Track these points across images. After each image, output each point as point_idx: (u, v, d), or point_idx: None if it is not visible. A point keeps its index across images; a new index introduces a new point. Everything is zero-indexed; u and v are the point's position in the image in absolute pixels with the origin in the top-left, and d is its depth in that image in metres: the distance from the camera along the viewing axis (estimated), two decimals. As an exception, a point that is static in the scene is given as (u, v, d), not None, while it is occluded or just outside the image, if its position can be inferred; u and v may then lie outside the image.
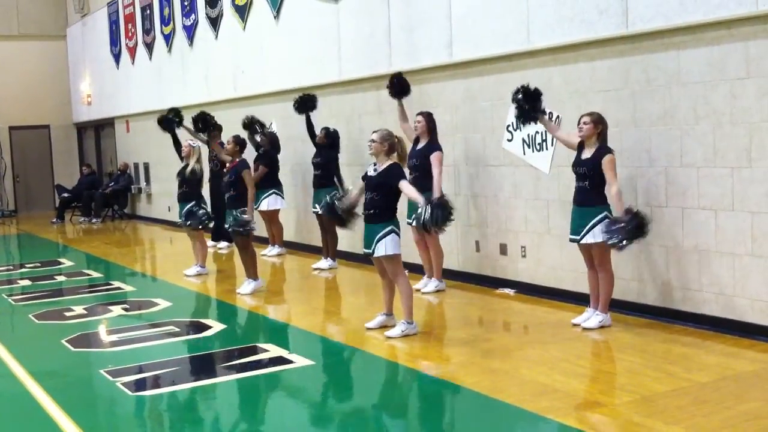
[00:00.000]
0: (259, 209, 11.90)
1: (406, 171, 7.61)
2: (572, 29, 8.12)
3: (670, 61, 7.23)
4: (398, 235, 7.35)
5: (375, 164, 7.41)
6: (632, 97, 7.59)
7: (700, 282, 7.14)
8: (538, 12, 8.49)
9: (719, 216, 6.92)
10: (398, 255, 7.38)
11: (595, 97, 7.88)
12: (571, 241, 7.35)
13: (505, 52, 8.93)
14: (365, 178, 7.47)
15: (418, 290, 8.95)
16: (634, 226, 6.84)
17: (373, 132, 7.49)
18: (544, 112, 7.74)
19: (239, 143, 10.17)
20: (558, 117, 8.29)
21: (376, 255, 7.33)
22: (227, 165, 10.09)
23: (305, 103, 11.56)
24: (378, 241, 7.27)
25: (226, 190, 9.87)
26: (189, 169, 11.00)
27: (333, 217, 7.82)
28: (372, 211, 7.34)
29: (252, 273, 9.83)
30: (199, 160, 11.12)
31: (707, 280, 7.08)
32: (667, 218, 7.35)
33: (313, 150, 11.47)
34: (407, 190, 7.24)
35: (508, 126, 8.96)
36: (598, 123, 7.18)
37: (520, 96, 7.63)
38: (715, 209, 6.95)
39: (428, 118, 9.12)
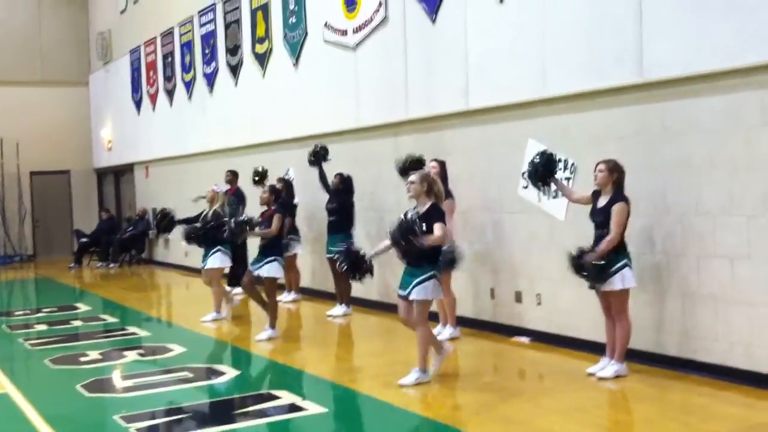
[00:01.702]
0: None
1: None
2: (588, 77, 8.16)
3: (686, 108, 7.24)
4: (440, 281, 7.35)
5: (415, 207, 7.42)
6: (648, 144, 7.58)
7: (716, 332, 7.06)
8: (554, 60, 8.54)
9: (736, 264, 6.87)
10: (429, 302, 7.38)
11: (611, 145, 7.87)
12: (590, 288, 7.31)
13: (521, 100, 8.97)
14: None
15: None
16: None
17: (411, 173, 7.56)
18: (555, 179, 7.84)
19: (274, 192, 10.29)
20: (573, 164, 8.30)
21: (413, 297, 7.26)
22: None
23: (319, 155, 11.60)
24: (418, 284, 7.22)
25: (262, 240, 9.94)
26: (211, 211, 11.16)
27: (352, 266, 7.67)
28: (414, 255, 7.28)
29: (272, 321, 9.87)
30: (223, 205, 11.27)
31: (724, 330, 7.00)
32: (683, 266, 7.30)
33: (327, 196, 11.53)
34: (434, 234, 7.16)
35: (524, 173, 8.97)
36: (614, 170, 7.16)
37: (537, 159, 7.75)
38: (731, 258, 6.90)
39: (442, 166, 9.15)
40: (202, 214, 11.43)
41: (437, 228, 7.17)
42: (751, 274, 6.76)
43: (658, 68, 7.45)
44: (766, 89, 6.61)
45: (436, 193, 7.42)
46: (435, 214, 7.27)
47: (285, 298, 12.59)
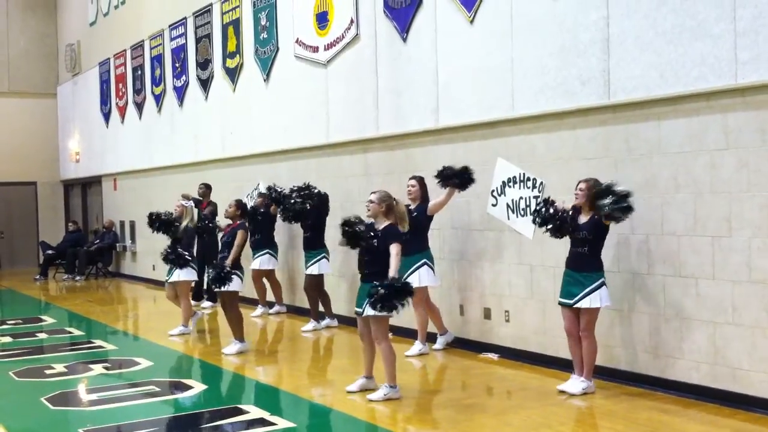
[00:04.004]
0: (251, 267, 11.98)
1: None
2: (555, 98, 8.28)
3: (651, 131, 7.37)
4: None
5: (374, 224, 7.47)
6: (614, 165, 7.70)
7: (681, 350, 7.17)
8: (523, 81, 8.66)
9: (700, 284, 6.99)
10: (386, 318, 7.36)
11: (577, 165, 7.99)
12: (561, 305, 7.36)
13: (489, 119, 9.08)
14: None
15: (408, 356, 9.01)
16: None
17: (372, 193, 7.59)
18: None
19: (240, 207, 10.30)
20: (542, 183, 8.40)
21: (366, 314, 7.31)
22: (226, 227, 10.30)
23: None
24: (370, 302, 7.22)
25: (221, 251, 9.94)
26: (182, 227, 11.13)
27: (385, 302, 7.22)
28: (367, 272, 7.37)
29: (238, 334, 9.81)
30: (192, 220, 11.28)
31: (688, 348, 7.12)
32: (649, 286, 7.42)
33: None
34: (393, 258, 7.21)
35: (493, 191, 9.06)
36: (593, 189, 7.24)
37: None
38: (696, 277, 7.02)
39: (421, 182, 9.21)
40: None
41: (393, 249, 7.21)
42: (715, 293, 6.88)
43: (623, 91, 7.58)
44: (728, 113, 6.75)
45: (396, 214, 7.46)
46: (390, 235, 7.31)
47: (257, 312, 12.60)
